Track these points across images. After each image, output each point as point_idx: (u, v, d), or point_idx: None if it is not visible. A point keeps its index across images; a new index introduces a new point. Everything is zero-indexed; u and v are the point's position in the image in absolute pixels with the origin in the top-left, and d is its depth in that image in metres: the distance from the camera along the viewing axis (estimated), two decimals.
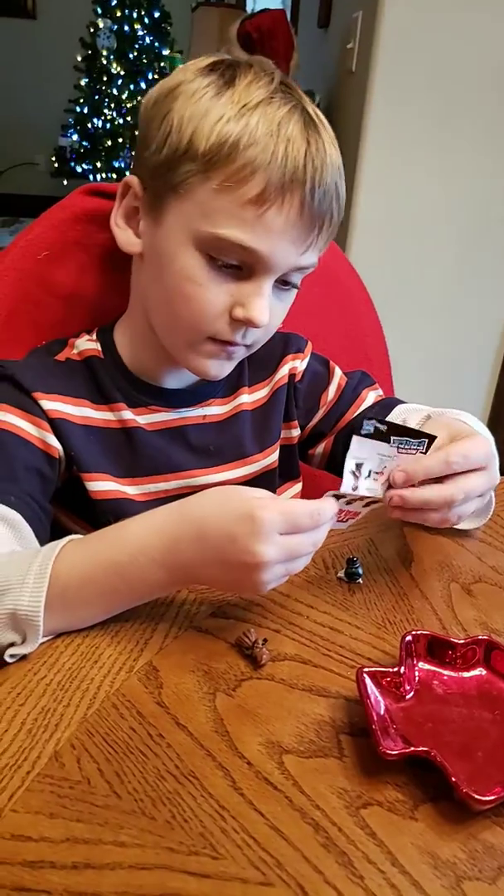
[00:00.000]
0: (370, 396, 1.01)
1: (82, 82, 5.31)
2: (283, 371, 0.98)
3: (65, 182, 5.58)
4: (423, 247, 2.42)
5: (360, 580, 0.75)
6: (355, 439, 0.70)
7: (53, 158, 5.76)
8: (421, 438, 0.70)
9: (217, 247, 0.73)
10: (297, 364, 0.99)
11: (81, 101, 5.32)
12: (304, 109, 0.74)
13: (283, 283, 0.79)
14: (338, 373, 1.02)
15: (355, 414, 0.99)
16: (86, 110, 5.30)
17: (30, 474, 0.77)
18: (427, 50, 2.18)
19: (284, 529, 0.60)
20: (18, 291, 0.94)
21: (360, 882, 0.45)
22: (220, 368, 0.83)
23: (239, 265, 0.75)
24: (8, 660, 0.61)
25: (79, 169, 5.42)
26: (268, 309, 0.76)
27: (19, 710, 0.56)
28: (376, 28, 2.16)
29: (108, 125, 5.28)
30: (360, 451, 0.70)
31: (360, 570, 0.75)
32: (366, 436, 0.69)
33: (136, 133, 0.81)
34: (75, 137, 5.39)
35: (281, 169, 0.70)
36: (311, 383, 1.00)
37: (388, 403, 0.99)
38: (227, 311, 0.77)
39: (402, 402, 1.00)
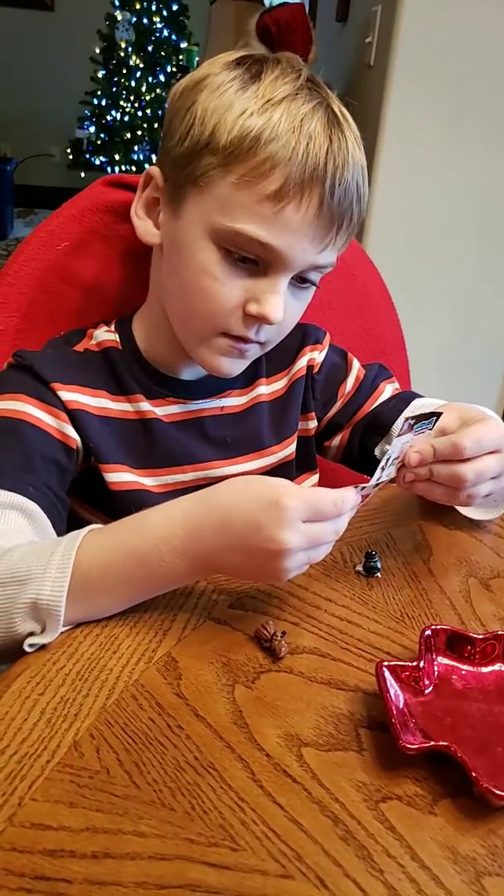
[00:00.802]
0: (387, 389, 1.01)
1: (99, 74, 5.32)
2: (302, 362, 0.97)
3: (82, 174, 5.59)
4: (441, 242, 2.40)
5: (379, 574, 0.75)
6: (395, 440, 0.69)
7: (69, 150, 5.77)
8: (430, 418, 0.70)
9: (234, 241, 0.73)
10: (315, 355, 0.99)
11: (99, 93, 5.32)
12: (328, 107, 0.74)
13: (300, 280, 0.79)
14: (356, 365, 1.01)
15: (372, 407, 0.98)
16: (104, 102, 5.30)
17: (47, 465, 0.77)
18: (446, 45, 2.16)
19: (308, 517, 0.61)
20: (38, 282, 0.94)
21: (379, 876, 0.45)
22: (233, 366, 0.83)
23: (255, 260, 0.74)
24: (27, 649, 0.61)
25: (96, 161, 5.43)
26: (282, 306, 0.76)
27: (38, 700, 0.57)
28: (395, 22, 2.15)
29: (126, 117, 5.28)
30: (392, 448, 0.69)
31: (379, 565, 0.75)
32: (399, 435, 0.69)
33: (161, 124, 0.81)
34: (92, 129, 5.40)
35: (301, 165, 0.70)
36: (328, 375, 0.99)
37: (406, 397, 0.99)
38: (241, 307, 0.76)
39: (420, 395, 1.00)
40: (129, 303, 0.93)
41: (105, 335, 0.89)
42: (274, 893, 0.44)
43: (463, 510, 0.86)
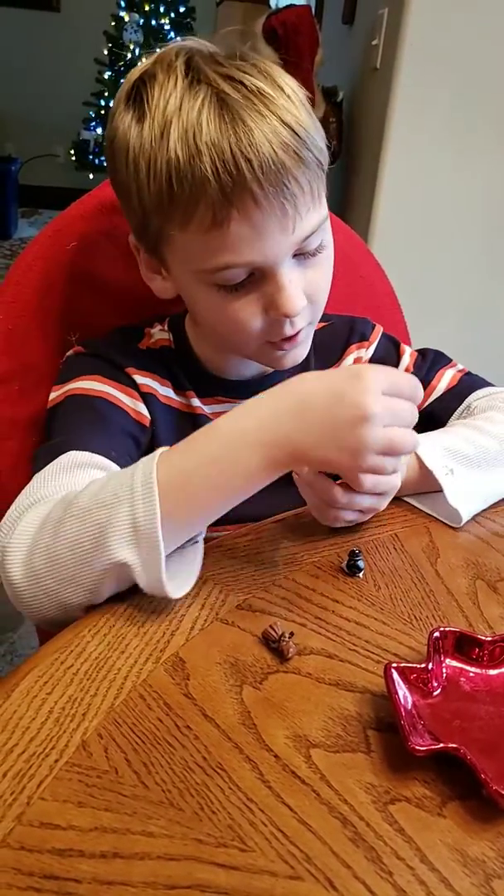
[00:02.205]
0: (446, 376, 1.00)
1: (105, 75, 5.32)
2: (348, 360, 0.98)
3: (90, 176, 5.60)
4: (447, 243, 2.41)
5: (361, 574, 0.75)
6: None
7: (72, 151, 5.77)
8: None
9: (219, 277, 0.74)
10: (361, 353, 0.99)
11: (106, 94, 5.32)
12: (215, 92, 0.70)
13: (300, 254, 0.76)
14: (405, 360, 1.01)
15: (430, 400, 0.98)
16: (111, 104, 5.30)
17: (125, 437, 0.82)
18: (452, 48, 2.16)
19: (388, 390, 0.64)
20: (46, 282, 0.94)
21: (388, 878, 0.45)
22: (293, 356, 0.83)
23: (249, 275, 0.74)
24: (174, 595, 0.64)
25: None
26: (297, 295, 0.75)
27: (46, 699, 0.57)
28: (401, 25, 2.15)
29: None
30: None
31: (361, 564, 0.75)
32: None
33: None
34: (99, 130, 5.40)
35: (216, 184, 0.68)
36: None
37: (461, 390, 0.98)
38: (263, 316, 0.77)
39: (483, 384, 1.00)
40: (139, 302, 0.93)
41: (160, 334, 0.92)
42: (283, 894, 0.44)
43: (429, 511, 0.86)
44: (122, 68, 5.27)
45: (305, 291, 0.77)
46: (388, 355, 1.00)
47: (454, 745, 0.51)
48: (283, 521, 0.83)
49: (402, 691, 0.56)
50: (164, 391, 0.88)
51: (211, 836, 0.47)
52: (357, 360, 0.98)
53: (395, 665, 0.57)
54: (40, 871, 0.44)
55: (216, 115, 0.69)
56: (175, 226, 0.72)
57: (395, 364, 1.00)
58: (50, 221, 0.98)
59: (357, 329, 1.00)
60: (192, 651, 0.63)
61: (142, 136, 0.71)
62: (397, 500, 0.88)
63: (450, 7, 2.12)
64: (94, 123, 5.54)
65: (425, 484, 0.84)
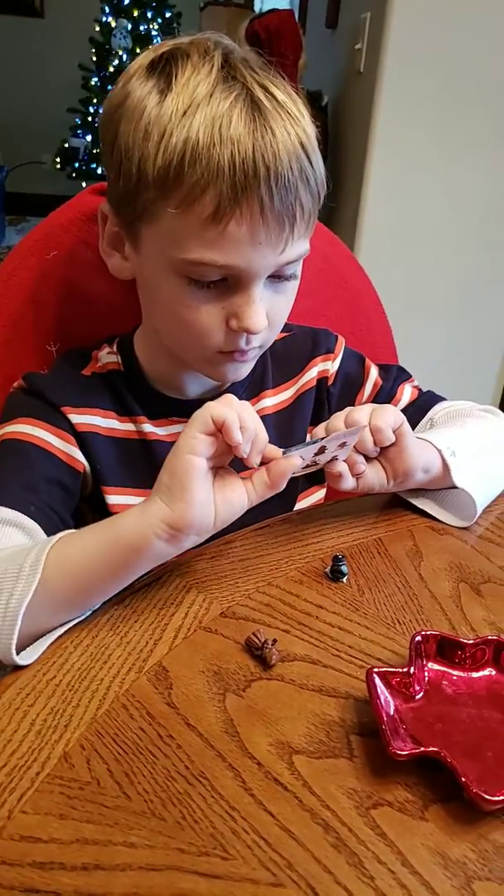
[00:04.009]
0: (406, 391, 1.01)
1: (92, 82, 5.32)
2: (311, 373, 0.97)
3: (83, 184, 5.59)
4: (431, 248, 2.41)
5: (345, 580, 0.75)
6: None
7: (58, 158, 5.76)
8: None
9: (193, 271, 0.72)
10: (327, 366, 0.98)
11: (95, 101, 5.32)
12: (249, 94, 0.70)
13: (276, 277, 0.77)
14: (373, 373, 1.00)
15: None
16: (101, 110, 5.29)
17: (51, 486, 0.78)
18: (435, 51, 2.18)
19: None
20: (27, 292, 0.94)
21: (370, 882, 0.45)
22: (237, 372, 0.83)
23: (223, 278, 0.74)
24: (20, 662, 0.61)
25: (100, 171, 5.41)
26: (262, 314, 0.75)
27: (28, 711, 0.57)
28: (385, 29, 2.16)
29: None
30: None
31: (345, 570, 0.75)
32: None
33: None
34: (89, 138, 5.39)
35: (230, 178, 0.67)
36: (344, 385, 0.99)
37: (423, 404, 1.00)
38: (223, 325, 0.76)
39: (441, 398, 1.01)
40: (120, 312, 0.93)
41: (108, 357, 0.90)
42: None
43: (440, 515, 0.87)
44: (108, 74, 5.27)
45: (268, 314, 0.76)
46: (353, 369, 1.00)
47: (435, 749, 0.51)
48: (266, 528, 0.83)
49: (384, 696, 0.57)
50: (107, 423, 0.86)
51: (193, 846, 0.47)
52: (322, 373, 0.97)
53: (376, 670, 0.58)
54: (21, 885, 0.44)
55: (247, 114, 0.69)
56: (171, 204, 0.70)
57: (362, 379, 1.00)
58: (30, 230, 0.98)
59: (320, 341, 0.99)
60: (176, 660, 0.63)
61: (162, 107, 0.69)
62: (389, 504, 0.89)
63: (432, 10, 2.14)
64: (80, 131, 5.53)
65: (433, 478, 0.86)
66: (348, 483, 0.79)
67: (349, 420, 0.78)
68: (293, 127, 0.71)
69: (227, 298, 0.75)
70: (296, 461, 0.69)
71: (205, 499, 0.65)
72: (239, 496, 0.68)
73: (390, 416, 0.79)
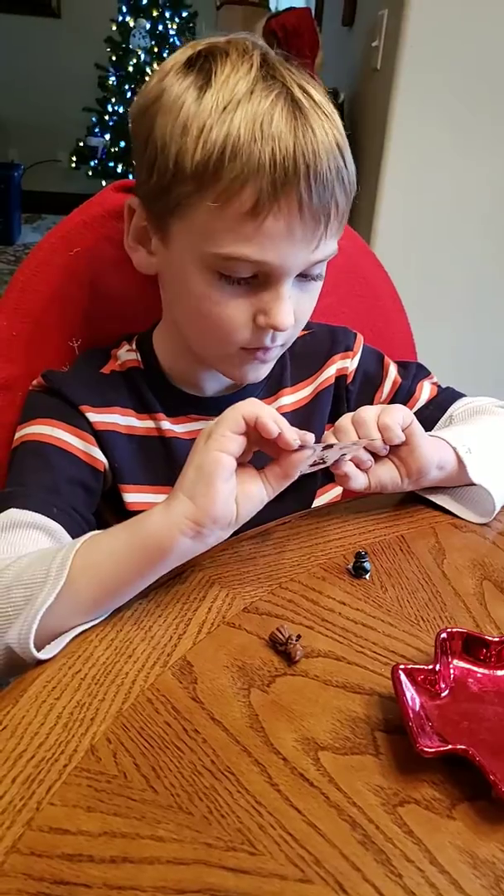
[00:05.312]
0: (425, 389, 1.01)
1: (109, 81, 5.34)
2: (330, 371, 0.97)
3: (102, 182, 5.61)
4: (447, 245, 2.40)
5: (368, 576, 0.75)
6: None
7: (74, 157, 5.79)
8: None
9: (225, 266, 0.73)
10: (346, 364, 0.98)
11: (112, 100, 5.34)
12: (289, 93, 0.71)
13: (303, 276, 0.77)
14: (392, 371, 1.00)
15: (412, 410, 0.98)
16: (120, 109, 5.31)
17: (73, 487, 0.79)
18: (453, 48, 2.16)
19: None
20: (51, 287, 0.94)
21: (398, 880, 0.45)
22: (257, 372, 0.83)
23: (254, 275, 0.74)
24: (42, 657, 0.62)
25: (119, 169, 5.43)
26: (291, 312, 0.75)
27: (55, 704, 0.57)
28: (402, 26, 2.15)
29: None
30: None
31: (368, 566, 0.75)
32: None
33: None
34: (108, 136, 5.41)
35: (270, 175, 0.68)
36: (363, 383, 0.99)
37: (443, 402, 1.00)
38: (250, 321, 0.76)
39: (461, 394, 1.01)
40: (142, 309, 0.93)
41: (127, 355, 0.90)
42: None
43: (458, 511, 0.86)
44: (126, 73, 5.29)
45: (294, 312, 0.77)
46: (372, 367, 1.00)
47: (462, 747, 0.51)
48: (288, 524, 0.83)
49: (410, 693, 0.56)
50: (126, 421, 0.86)
51: (220, 840, 0.47)
52: (341, 371, 0.97)
53: (402, 667, 0.57)
54: (50, 877, 0.44)
55: (288, 113, 0.69)
56: (209, 198, 0.70)
57: (381, 377, 1.00)
58: (53, 227, 0.98)
59: (339, 339, 0.99)
60: (200, 655, 0.63)
61: (201, 103, 0.69)
62: (411, 500, 0.88)
63: (450, 7, 2.12)
64: (97, 130, 5.54)
65: (449, 476, 0.85)
66: (357, 482, 0.79)
67: (357, 419, 0.78)
68: (331, 127, 0.72)
69: (256, 294, 0.75)
70: (307, 451, 0.69)
71: (227, 494, 0.66)
72: (258, 489, 0.69)
73: (399, 415, 0.79)
